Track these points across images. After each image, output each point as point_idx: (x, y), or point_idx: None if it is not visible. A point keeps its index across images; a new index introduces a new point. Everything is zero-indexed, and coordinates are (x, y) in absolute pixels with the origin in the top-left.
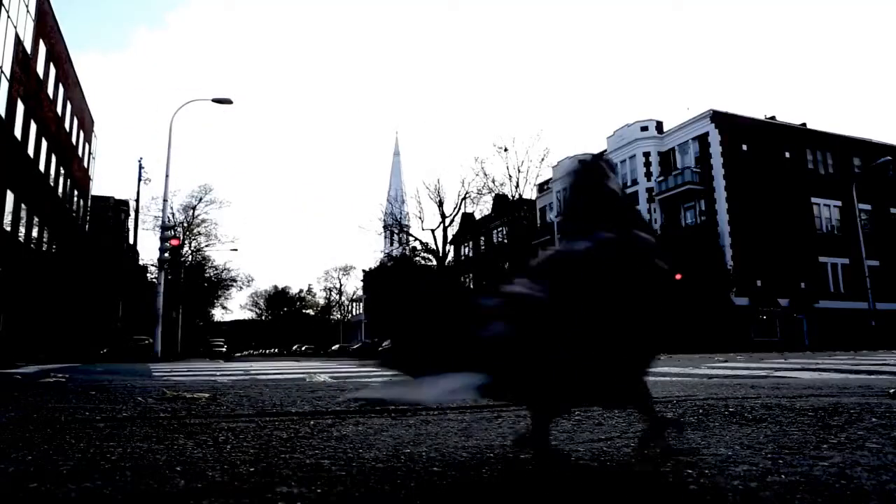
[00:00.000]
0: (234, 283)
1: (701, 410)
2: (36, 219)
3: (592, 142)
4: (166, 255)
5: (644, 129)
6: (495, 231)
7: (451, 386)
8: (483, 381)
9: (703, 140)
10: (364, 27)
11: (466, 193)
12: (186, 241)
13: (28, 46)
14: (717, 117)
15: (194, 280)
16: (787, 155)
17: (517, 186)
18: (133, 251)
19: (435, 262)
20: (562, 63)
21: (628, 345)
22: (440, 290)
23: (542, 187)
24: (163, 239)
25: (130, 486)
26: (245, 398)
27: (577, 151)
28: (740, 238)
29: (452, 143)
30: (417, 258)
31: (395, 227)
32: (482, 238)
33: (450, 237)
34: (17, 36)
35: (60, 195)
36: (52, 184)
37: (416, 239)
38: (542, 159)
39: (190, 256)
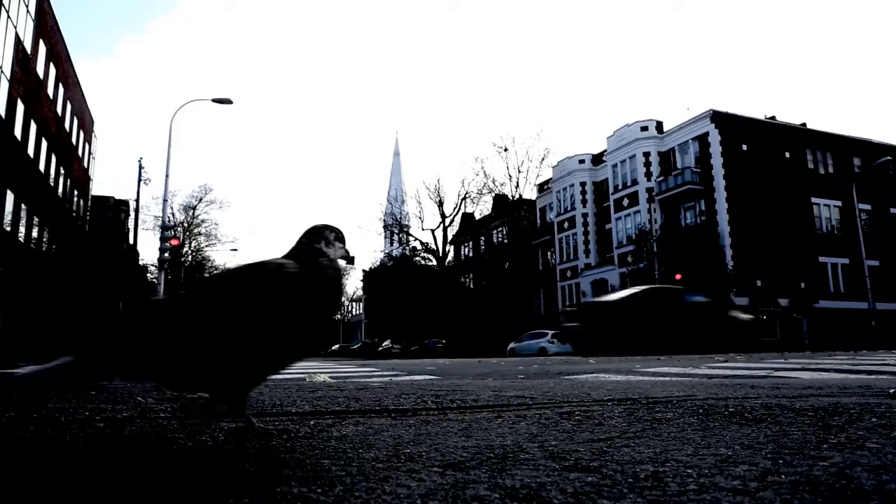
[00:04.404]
0: None
1: (701, 410)
2: (36, 219)
3: (592, 142)
4: (166, 255)
5: (644, 129)
6: (495, 231)
7: None
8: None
9: (703, 140)
10: (364, 27)
11: (466, 193)
12: (186, 242)
13: (28, 46)
14: (717, 117)
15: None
16: (787, 155)
17: (517, 186)
18: (133, 251)
19: (435, 262)
20: (562, 63)
21: None
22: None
23: (542, 187)
24: (163, 239)
25: (131, 486)
26: None
27: (577, 151)
28: (740, 238)
29: (452, 143)
30: (417, 258)
31: (395, 227)
32: (482, 238)
33: (450, 237)
34: (17, 36)
35: (60, 195)
36: (52, 184)
37: (416, 239)
38: (542, 159)
39: (190, 256)
